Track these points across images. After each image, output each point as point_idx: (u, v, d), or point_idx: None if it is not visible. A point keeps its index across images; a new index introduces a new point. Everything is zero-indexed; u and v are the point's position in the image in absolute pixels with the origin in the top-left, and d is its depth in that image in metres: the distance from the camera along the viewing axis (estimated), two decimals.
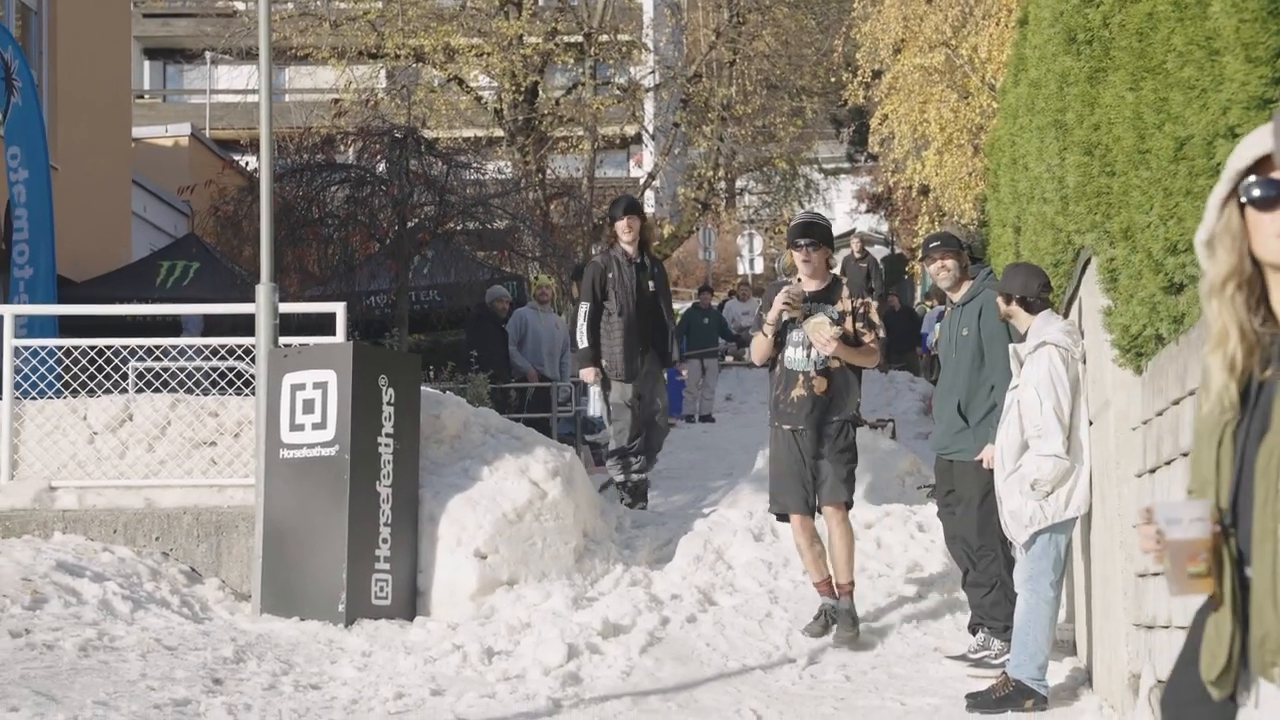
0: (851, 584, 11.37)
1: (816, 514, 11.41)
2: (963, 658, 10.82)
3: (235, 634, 11.39)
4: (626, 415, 14.87)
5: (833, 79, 34.38)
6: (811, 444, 11.24)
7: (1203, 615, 3.59)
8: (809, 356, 11.18)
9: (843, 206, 56.07)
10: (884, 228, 52.57)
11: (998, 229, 15.65)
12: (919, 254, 12.83)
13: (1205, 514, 3.48)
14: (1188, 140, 6.59)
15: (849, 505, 11.49)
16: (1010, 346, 10.39)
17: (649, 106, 38.00)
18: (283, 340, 12.92)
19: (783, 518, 11.75)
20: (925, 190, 29.23)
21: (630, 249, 14.83)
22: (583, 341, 14.89)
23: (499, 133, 34.21)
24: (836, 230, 54.37)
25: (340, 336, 13.60)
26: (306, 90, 43.27)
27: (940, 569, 12.65)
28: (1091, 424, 9.98)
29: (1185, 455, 7.74)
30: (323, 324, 14.39)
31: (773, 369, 11.55)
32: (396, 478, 12.29)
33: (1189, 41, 6.37)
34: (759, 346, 11.59)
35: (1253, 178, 3.42)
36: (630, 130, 38.59)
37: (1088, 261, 9.58)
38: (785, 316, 11.17)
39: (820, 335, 10.93)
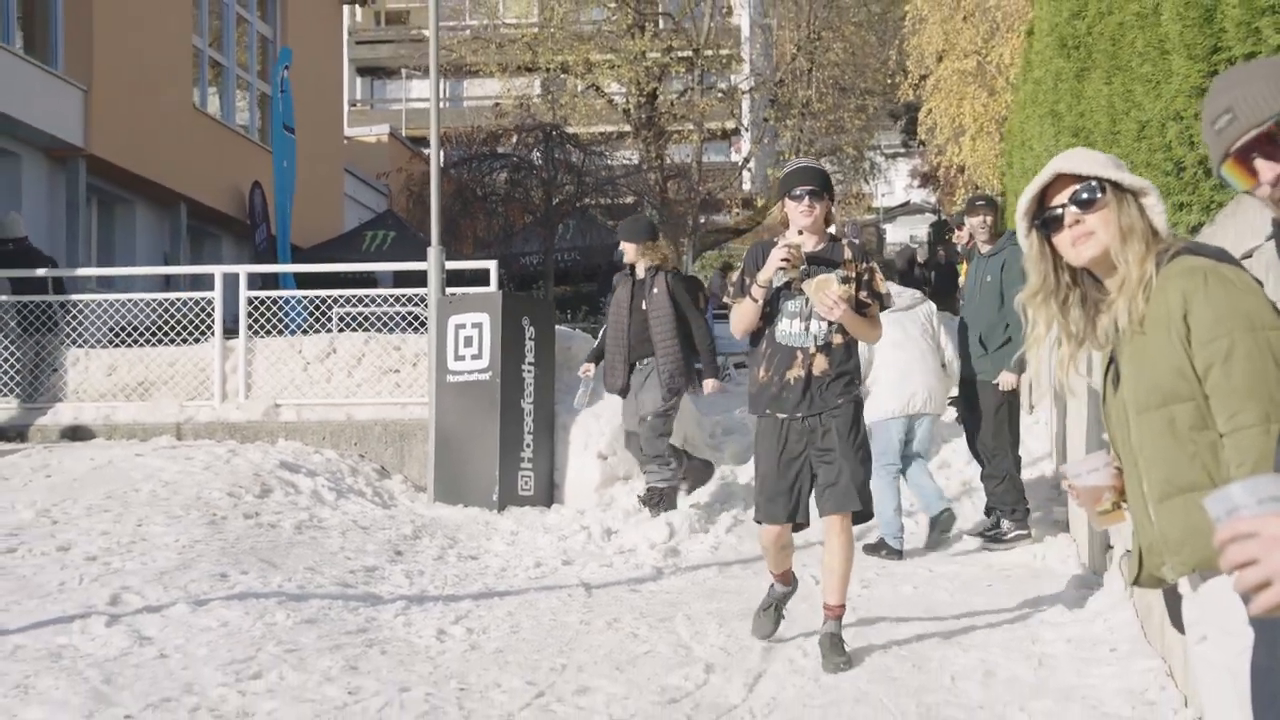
0: (843, 607, 7.48)
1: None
2: (980, 534, 10.75)
3: (414, 517, 11.50)
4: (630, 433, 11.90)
5: (889, 81, 33.99)
6: (809, 436, 7.40)
7: None
8: (808, 330, 7.33)
9: (900, 182, 55.93)
10: (932, 199, 52.22)
11: (1012, 198, 15.51)
12: (960, 214, 12.61)
13: (1101, 464, 3.43)
14: (1147, 123, 6.50)
15: (865, 516, 7.59)
16: None
17: (745, 105, 37.76)
18: (449, 290, 13.00)
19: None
20: (962, 169, 28.88)
21: (639, 269, 11.63)
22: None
23: (626, 128, 34.09)
24: (894, 200, 53.66)
25: (493, 287, 13.64)
26: (479, 97, 43.21)
27: (963, 465, 12.53)
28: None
29: None
30: (483, 279, 14.42)
31: (755, 344, 7.55)
32: (537, 396, 12.35)
33: (1147, 44, 6.27)
34: (745, 315, 7.41)
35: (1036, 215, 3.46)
36: (730, 125, 38.54)
37: None
38: (781, 279, 7.30)
39: (827, 295, 7.05)
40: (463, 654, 7.53)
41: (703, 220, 34.61)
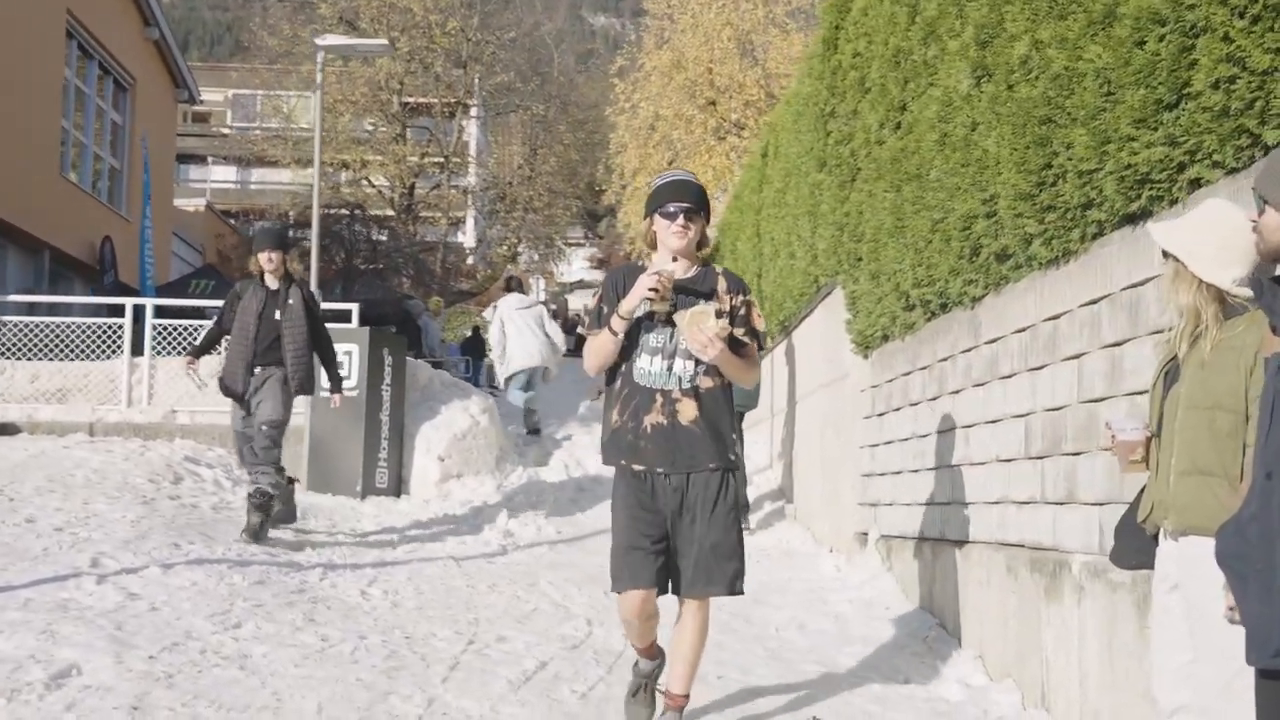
0: (687, 699, 4.95)
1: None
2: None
3: (297, 501, 10.81)
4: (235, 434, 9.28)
5: (594, 189, 34.28)
6: (676, 497, 4.66)
7: (1140, 492, 3.52)
8: (671, 369, 4.65)
9: (578, 265, 56.11)
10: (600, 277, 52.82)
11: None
12: None
13: (1141, 425, 3.43)
14: (941, 221, 6.53)
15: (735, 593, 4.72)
16: None
17: (479, 199, 37.43)
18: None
19: None
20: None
21: (271, 280, 8.88)
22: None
23: (391, 212, 33.36)
24: (572, 278, 53.60)
25: (355, 324, 12.96)
26: (272, 182, 41.51)
27: None
28: (827, 386, 9.99)
29: (898, 410, 7.72)
30: (337, 316, 13.69)
31: (610, 383, 4.80)
32: (392, 410, 11.75)
33: (956, 163, 6.26)
34: (602, 348, 4.68)
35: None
36: (469, 214, 38.06)
37: (829, 292, 9.53)
38: (647, 309, 4.65)
39: (701, 332, 4.48)
40: (390, 610, 7.07)
41: (449, 283, 34.11)
